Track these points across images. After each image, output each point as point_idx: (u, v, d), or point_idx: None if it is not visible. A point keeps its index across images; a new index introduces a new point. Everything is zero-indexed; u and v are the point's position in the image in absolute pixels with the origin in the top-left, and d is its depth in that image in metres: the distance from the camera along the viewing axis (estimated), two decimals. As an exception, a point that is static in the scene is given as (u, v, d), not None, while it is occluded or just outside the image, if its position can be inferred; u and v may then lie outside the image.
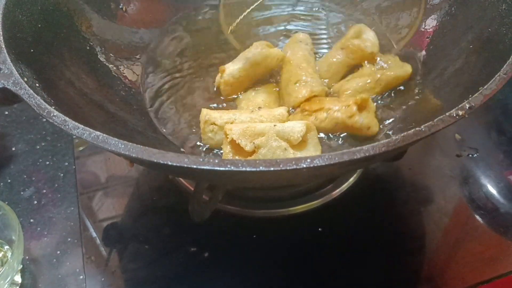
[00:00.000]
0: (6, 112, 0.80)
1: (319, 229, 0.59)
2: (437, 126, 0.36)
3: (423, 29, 0.60)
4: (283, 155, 0.50)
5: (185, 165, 0.33)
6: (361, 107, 0.56)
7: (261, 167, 0.33)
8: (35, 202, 0.67)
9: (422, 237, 0.59)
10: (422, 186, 0.64)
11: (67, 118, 0.36)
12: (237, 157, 0.51)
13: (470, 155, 0.67)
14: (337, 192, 0.62)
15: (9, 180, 0.70)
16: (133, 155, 0.34)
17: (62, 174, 0.70)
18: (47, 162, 0.72)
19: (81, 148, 0.73)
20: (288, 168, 0.33)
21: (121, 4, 0.67)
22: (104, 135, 0.35)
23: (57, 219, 0.65)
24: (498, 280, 0.55)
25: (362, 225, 0.60)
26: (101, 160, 0.70)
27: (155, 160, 0.33)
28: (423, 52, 0.61)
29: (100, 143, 0.35)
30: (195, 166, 0.33)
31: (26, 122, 0.78)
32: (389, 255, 0.57)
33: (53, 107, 0.37)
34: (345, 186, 0.63)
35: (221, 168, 0.33)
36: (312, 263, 0.57)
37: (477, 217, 0.60)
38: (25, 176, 0.70)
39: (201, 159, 0.34)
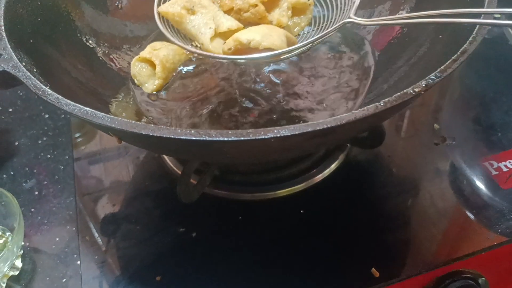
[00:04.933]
0: (10, 109, 0.83)
1: (301, 211, 0.62)
2: (394, 102, 0.39)
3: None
4: (203, 33, 0.56)
5: (164, 135, 0.37)
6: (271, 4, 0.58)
7: (232, 137, 0.37)
8: (36, 193, 0.70)
9: (399, 217, 0.62)
10: (400, 171, 0.67)
11: (60, 96, 0.40)
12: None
13: (448, 143, 0.70)
14: (319, 177, 0.66)
15: (12, 173, 0.73)
16: (118, 127, 0.38)
17: (62, 167, 0.73)
18: (48, 156, 0.75)
19: (82, 147, 0.76)
20: (257, 137, 0.37)
21: (117, 1, 0.72)
22: (93, 110, 0.39)
23: (57, 209, 0.68)
24: (469, 259, 0.57)
25: (342, 207, 0.63)
26: (99, 161, 0.74)
27: (136, 131, 0.37)
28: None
29: (89, 118, 0.39)
30: (173, 136, 0.37)
31: (29, 119, 0.82)
32: (367, 234, 0.60)
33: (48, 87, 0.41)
34: (327, 171, 0.66)
35: (196, 138, 0.37)
36: (294, 242, 0.59)
37: (451, 199, 0.63)
38: (27, 169, 0.73)
39: (179, 130, 0.37)
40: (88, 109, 0.39)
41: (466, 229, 0.60)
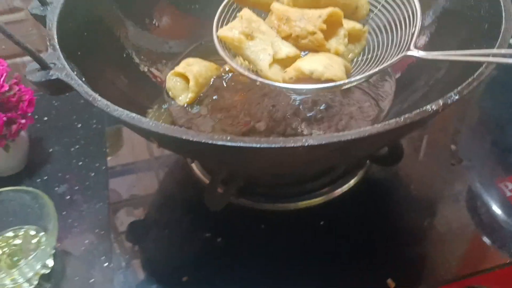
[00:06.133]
0: (45, 118, 0.88)
1: (321, 222, 0.65)
2: (414, 118, 0.42)
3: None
4: (261, 59, 0.56)
5: (203, 141, 0.41)
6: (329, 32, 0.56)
7: (264, 144, 0.40)
8: (68, 197, 0.73)
9: (415, 233, 0.64)
10: (417, 189, 0.70)
11: (109, 103, 0.44)
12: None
13: (464, 164, 0.73)
14: (338, 191, 0.69)
15: (45, 177, 0.77)
16: (161, 132, 0.42)
17: (93, 174, 0.77)
18: (80, 163, 0.79)
19: (115, 156, 0.80)
20: (287, 145, 0.40)
21: (154, 20, 0.76)
22: (138, 115, 0.43)
23: (87, 213, 0.71)
24: (481, 276, 0.59)
25: (360, 220, 0.66)
26: (131, 169, 0.78)
27: (178, 136, 0.41)
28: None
29: (136, 122, 0.43)
30: (210, 142, 0.41)
31: (63, 127, 0.86)
32: (384, 247, 0.63)
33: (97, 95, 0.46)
34: (346, 186, 0.69)
35: (232, 144, 0.40)
36: (313, 251, 0.62)
37: (466, 218, 0.66)
38: (60, 174, 0.77)
39: (216, 136, 0.41)
40: (134, 114, 0.43)
41: (479, 248, 0.62)
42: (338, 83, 0.53)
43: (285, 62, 0.57)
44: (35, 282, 0.61)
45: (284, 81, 0.55)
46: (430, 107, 0.43)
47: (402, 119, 0.42)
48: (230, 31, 0.57)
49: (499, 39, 0.52)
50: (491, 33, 0.54)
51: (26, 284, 0.59)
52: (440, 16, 0.66)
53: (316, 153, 0.44)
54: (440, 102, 0.44)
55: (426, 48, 0.67)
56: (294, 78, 0.54)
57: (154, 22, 0.76)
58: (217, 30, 0.59)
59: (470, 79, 0.46)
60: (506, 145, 0.75)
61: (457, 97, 0.45)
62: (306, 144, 0.40)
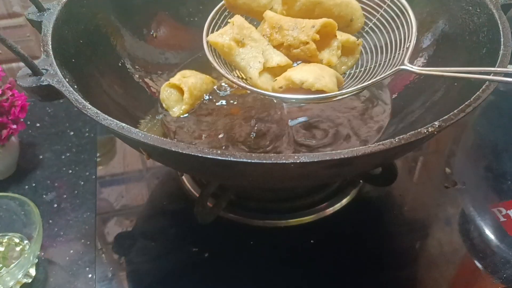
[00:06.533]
0: (38, 124, 0.87)
1: (311, 241, 0.64)
2: (408, 139, 0.42)
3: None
4: (251, 67, 0.55)
5: (193, 154, 0.40)
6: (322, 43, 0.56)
7: (255, 160, 0.40)
8: (55, 205, 0.73)
9: (406, 255, 0.63)
10: (410, 210, 0.69)
11: (98, 111, 0.44)
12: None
13: (458, 187, 0.72)
14: (330, 210, 0.68)
15: (33, 184, 0.76)
16: (150, 143, 0.41)
17: (82, 182, 0.76)
18: (70, 171, 0.78)
19: (105, 166, 0.79)
20: (278, 161, 0.40)
21: (152, 31, 0.76)
22: (128, 126, 0.42)
23: (74, 222, 0.70)
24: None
25: (351, 240, 0.65)
26: (120, 179, 0.77)
27: (167, 147, 0.40)
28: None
29: (125, 132, 0.42)
30: (200, 155, 0.40)
31: (55, 135, 0.85)
32: (374, 268, 0.62)
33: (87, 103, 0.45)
34: (338, 205, 0.68)
35: (222, 158, 0.40)
36: (302, 270, 0.61)
37: (458, 242, 0.65)
38: (48, 182, 0.76)
39: (206, 150, 0.40)
40: (124, 124, 0.42)
41: (471, 272, 0.61)
42: (328, 94, 0.52)
43: (275, 71, 0.56)
44: (16, 292, 0.60)
45: (274, 90, 0.54)
46: (425, 129, 0.43)
47: (396, 140, 0.42)
48: (221, 37, 0.56)
49: (497, 64, 0.51)
50: (489, 58, 0.54)
51: (6, 293, 0.58)
52: (438, 39, 0.67)
53: (308, 170, 0.43)
54: (436, 124, 0.43)
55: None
56: (284, 87, 0.53)
57: (151, 33, 0.76)
58: (207, 36, 0.58)
59: (466, 103, 0.46)
60: (500, 171, 0.75)
61: (452, 121, 0.44)
62: (298, 161, 0.40)
